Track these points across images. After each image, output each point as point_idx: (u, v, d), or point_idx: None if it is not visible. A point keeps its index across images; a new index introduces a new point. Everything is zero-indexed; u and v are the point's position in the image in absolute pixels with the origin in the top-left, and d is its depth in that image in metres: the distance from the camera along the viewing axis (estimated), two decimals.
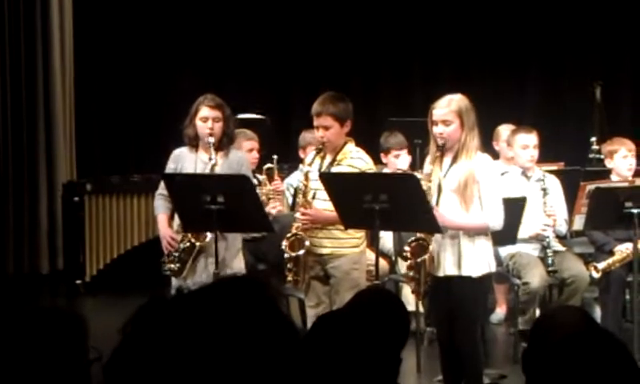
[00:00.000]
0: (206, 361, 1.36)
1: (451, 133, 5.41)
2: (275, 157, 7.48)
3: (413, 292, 5.67)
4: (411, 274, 5.51)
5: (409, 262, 5.51)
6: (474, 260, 5.41)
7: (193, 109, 6.07)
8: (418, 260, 5.45)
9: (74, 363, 1.93)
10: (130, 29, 10.62)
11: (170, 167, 6.16)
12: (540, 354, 2.09)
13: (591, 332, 2.14)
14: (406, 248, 5.54)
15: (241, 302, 1.42)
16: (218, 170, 5.98)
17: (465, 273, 5.40)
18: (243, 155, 6.28)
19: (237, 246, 6.13)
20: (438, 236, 5.42)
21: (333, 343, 2.38)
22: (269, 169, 7.46)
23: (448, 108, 5.42)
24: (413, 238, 5.52)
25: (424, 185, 5.42)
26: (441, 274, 5.45)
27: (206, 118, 6.01)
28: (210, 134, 5.97)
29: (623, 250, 6.94)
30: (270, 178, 7.33)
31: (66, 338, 1.97)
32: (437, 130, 5.43)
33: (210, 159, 5.95)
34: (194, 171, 6.04)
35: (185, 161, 6.11)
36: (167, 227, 6.06)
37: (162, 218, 6.13)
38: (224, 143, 6.07)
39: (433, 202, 5.41)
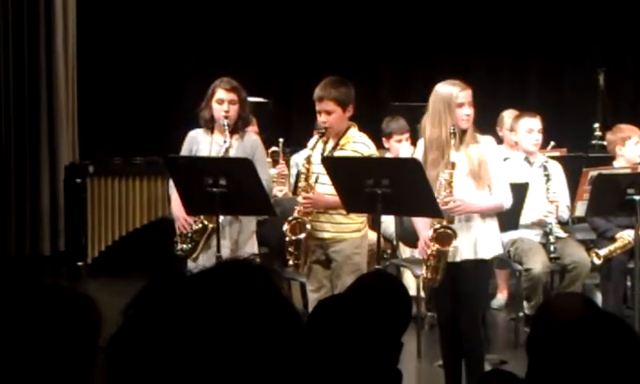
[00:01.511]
0: (206, 343, 1.36)
1: (472, 115, 5.43)
2: (281, 140, 7.47)
3: (429, 280, 5.55)
4: (432, 263, 5.43)
5: (431, 249, 5.43)
6: (487, 242, 5.46)
7: (209, 91, 6.07)
8: (444, 248, 5.38)
9: (84, 353, 1.93)
10: (133, 13, 10.60)
11: (186, 149, 6.17)
12: (545, 338, 2.10)
13: (596, 317, 2.14)
14: (430, 233, 5.42)
15: (241, 285, 1.42)
16: (232, 153, 5.99)
17: (479, 256, 5.43)
18: (257, 138, 6.27)
19: (251, 228, 6.13)
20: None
21: (333, 327, 2.38)
22: (274, 152, 7.47)
23: (470, 89, 5.44)
24: (439, 225, 5.40)
25: (446, 174, 5.33)
26: (457, 259, 5.42)
27: (222, 100, 6.01)
28: (226, 117, 5.97)
29: (625, 236, 6.95)
30: (275, 162, 7.34)
31: (82, 325, 1.97)
32: (463, 112, 5.38)
33: (225, 142, 5.96)
34: (209, 154, 6.04)
35: (200, 143, 6.11)
36: (182, 207, 6.06)
37: (177, 197, 6.13)
38: (239, 126, 6.07)
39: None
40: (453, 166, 5.33)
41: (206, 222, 6.01)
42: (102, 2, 10.44)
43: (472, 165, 5.39)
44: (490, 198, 5.44)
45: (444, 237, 5.39)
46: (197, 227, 6.04)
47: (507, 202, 5.49)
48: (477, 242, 5.43)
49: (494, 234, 5.52)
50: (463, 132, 5.41)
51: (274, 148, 7.49)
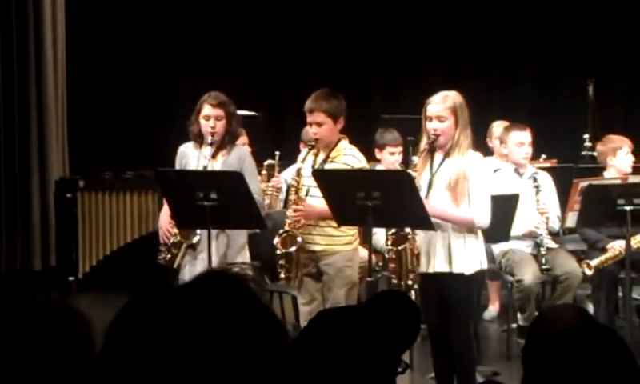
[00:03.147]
0: (187, 357, 1.36)
1: (445, 129, 5.40)
2: (278, 153, 7.47)
3: (397, 286, 5.63)
4: (393, 265, 5.53)
5: (390, 253, 5.53)
6: (464, 257, 5.41)
7: (197, 106, 6.07)
8: (399, 248, 5.46)
9: (77, 369, 1.92)
10: (123, 25, 10.60)
11: (177, 164, 6.17)
12: (540, 349, 2.10)
13: (590, 327, 2.15)
14: (387, 240, 5.59)
15: (219, 297, 1.41)
16: (217, 169, 5.98)
17: (456, 270, 5.41)
18: (245, 151, 6.24)
19: (239, 242, 6.09)
20: (428, 232, 5.42)
21: (332, 338, 2.36)
22: (269, 165, 7.46)
23: (443, 104, 5.42)
24: (393, 231, 5.54)
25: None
26: (431, 270, 5.46)
27: (209, 116, 6.00)
28: (212, 133, 5.96)
29: (616, 247, 6.95)
30: (270, 175, 7.33)
31: (75, 341, 1.96)
32: (431, 125, 5.42)
33: (205, 158, 5.95)
34: (196, 168, 6.03)
35: (189, 157, 6.11)
36: (167, 216, 6.05)
37: (166, 207, 6.12)
38: (226, 141, 6.05)
39: (422, 196, 5.42)
40: (414, 166, 5.44)
41: (179, 239, 6.01)
42: (91, 14, 10.43)
43: (449, 179, 5.40)
44: (460, 211, 5.40)
45: (398, 240, 5.48)
46: (174, 240, 6.04)
47: (480, 219, 5.40)
48: (452, 255, 5.42)
49: (473, 250, 5.46)
50: (452, 145, 5.44)
51: (269, 161, 7.50)
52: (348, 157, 5.87)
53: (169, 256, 6.07)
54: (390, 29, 11.08)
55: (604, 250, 7.04)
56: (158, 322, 1.38)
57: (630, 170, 7.32)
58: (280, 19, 11.03)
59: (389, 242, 5.55)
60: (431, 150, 5.49)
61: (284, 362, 1.42)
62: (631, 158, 7.38)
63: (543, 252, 6.91)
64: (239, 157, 6.07)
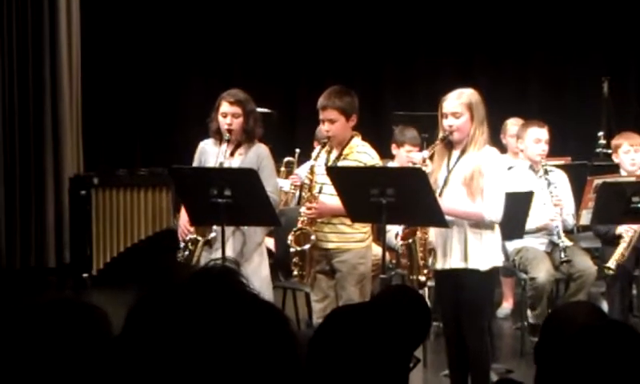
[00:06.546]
0: (194, 360, 1.35)
1: (461, 125, 5.40)
2: (298, 150, 7.45)
3: (410, 281, 5.65)
4: (404, 260, 5.54)
5: (401, 248, 5.54)
6: (480, 253, 5.40)
7: (217, 102, 6.06)
8: (409, 241, 5.48)
9: (98, 367, 1.92)
10: (137, 23, 10.62)
11: (196, 160, 6.17)
12: (553, 346, 2.10)
13: (605, 325, 2.14)
14: (399, 232, 5.60)
15: (221, 292, 1.41)
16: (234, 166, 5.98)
17: (472, 266, 5.40)
18: (264, 149, 6.18)
19: (256, 239, 6.06)
20: (444, 229, 5.42)
21: (347, 336, 2.36)
22: (289, 162, 7.46)
23: (458, 100, 5.42)
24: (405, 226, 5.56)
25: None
26: (447, 266, 5.45)
27: (225, 114, 6.00)
28: (229, 130, 5.96)
29: (627, 230, 6.86)
30: (289, 172, 7.33)
31: (96, 338, 1.96)
32: (446, 122, 5.42)
33: (225, 155, 5.95)
34: (215, 165, 6.02)
35: (208, 154, 6.10)
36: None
37: None
38: (243, 139, 6.03)
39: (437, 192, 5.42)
40: (423, 161, 5.46)
41: (196, 235, 6.01)
42: (105, 14, 10.46)
43: (464, 174, 5.39)
44: (470, 206, 5.38)
45: (408, 233, 5.51)
46: (191, 237, 6.04)
47: (491, 214, 5.36)
48: (468, 251, 5.41)
49: (489, 246, 5.45)
50: (468, 141, 5.43)
51: (289, 158, 7.50)
52: (361, 154, 5.86)
53: (186, 253, 6.07)
54: (402, 25, 11.07)
55: (617, 242, 6.94)
56: (164, 321, 1.38)
57: (631, 168, 7.21)
58: (293, 16, 11.03)
59: (400, 238, 5.55)
60: (448, 146, 5.48)
61: (290, 351, 1.41)
62: (633, 156, 7.26)
63: (562, 245, 6.85)
64: (258, 155, 6.05)
